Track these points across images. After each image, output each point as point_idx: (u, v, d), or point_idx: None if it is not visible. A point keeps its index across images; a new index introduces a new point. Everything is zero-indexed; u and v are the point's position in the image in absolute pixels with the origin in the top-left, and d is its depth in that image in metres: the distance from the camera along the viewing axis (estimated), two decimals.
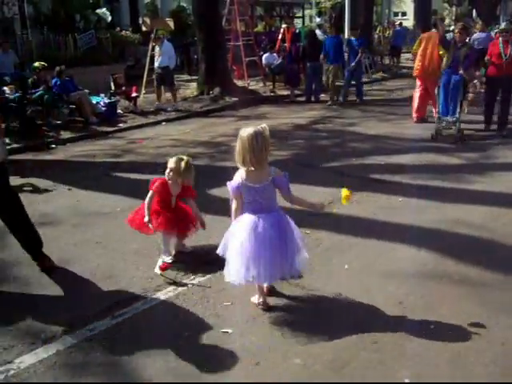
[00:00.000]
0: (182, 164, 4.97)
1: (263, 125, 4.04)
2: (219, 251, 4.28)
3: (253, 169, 3.99)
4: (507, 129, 10.24)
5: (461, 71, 9.75)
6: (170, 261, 5.13)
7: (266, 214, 4.10)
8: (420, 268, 4.92)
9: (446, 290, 4.51)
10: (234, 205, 4.24)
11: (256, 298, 4.33)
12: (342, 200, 4.28)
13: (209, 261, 5.14)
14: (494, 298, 4.38)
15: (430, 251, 5.25)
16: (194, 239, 5.52)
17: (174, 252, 5.29)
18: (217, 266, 4.99)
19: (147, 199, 5.07)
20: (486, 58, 10.25)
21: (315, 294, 4.47)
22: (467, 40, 10.65)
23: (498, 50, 9.87)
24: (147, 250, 5.33)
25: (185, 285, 4.70)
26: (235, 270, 4.11)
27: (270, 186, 4.09)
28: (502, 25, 10.73)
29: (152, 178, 5.24)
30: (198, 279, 4.79)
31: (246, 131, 3.97)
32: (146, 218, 5.01)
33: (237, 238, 4.13)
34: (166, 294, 4.55)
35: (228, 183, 4.18)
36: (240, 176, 4.10)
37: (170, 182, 5.08)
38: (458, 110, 9.87)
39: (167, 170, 5.06)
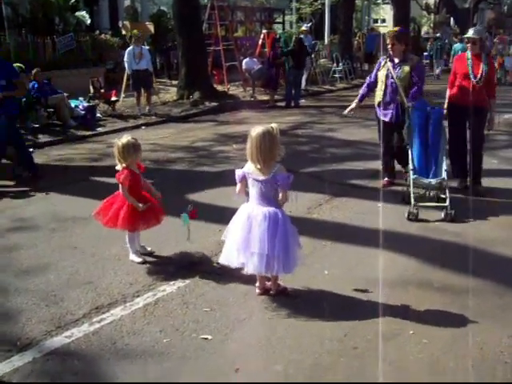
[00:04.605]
0: (133, 141, 5.07)
1: (273, 124, 4.25)
2: (223, 236, 4.54)
3: (259, 166, 4.22)
4: (481, 184, 7.21)
5: (409, 103, 6.68)
6: (140, 259, 5.17)
7: (263, 207, 4.29)
8: (400, 274, 4.94)
9: (425, 296, 4.53)
10: (237, 187, 4.46)
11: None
12: None
13: (188, 266, 5.13)
14: (474, 303, 4.40)
15: (410, 257, 5.28)
16: (174, 244, 5.49)
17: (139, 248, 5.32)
18: (196, 272, 4.98)
19: (125, 194, 5.07)
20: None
21: (295, 300, 4.46)
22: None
23: (466, 68, 6.99)
24: (126, 255, 5.28)
25: (164, 290, 4.66)
26: (227, 254, 4.42)
27: (272, 181, 4.26)
28: (470, 32, 7.13)
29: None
30: (178, 284, 4.75)
31: (256, 131, 4.19)
32: (140, 207, 5.02)
33: (233, 225, 4.42)
34: (145, 299, 4.50)
35: (236, 170, 4.43)
36: (247, 168, 4.36)
37: (131, 166, 5.11)
38: (445, 166, 6.44)
39: (126, 160, 5.05)
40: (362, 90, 7.51)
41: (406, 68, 6.90)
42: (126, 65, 13.79)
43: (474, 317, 4.16)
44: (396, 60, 6.99)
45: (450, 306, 4.34)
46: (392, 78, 6.93)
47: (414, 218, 6.18)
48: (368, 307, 4.34)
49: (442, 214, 6.20)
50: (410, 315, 4.21)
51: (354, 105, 7.46)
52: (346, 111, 7.52)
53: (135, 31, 13.93)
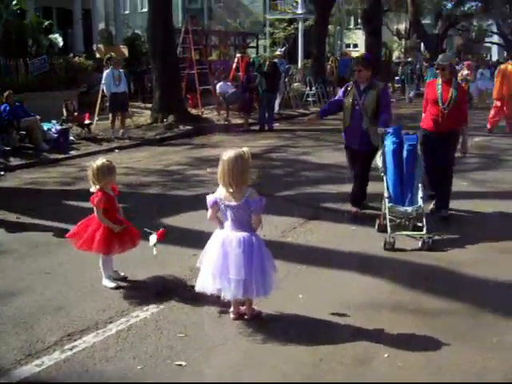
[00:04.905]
0: (108, 164, 5.03)
1: (245, 148, 4.26)
2: (197, 263, 4.50)
3: (231, 190, 4.20)
4: (448, 209, 7.13)
5: (381, 129, 6.57)
6: (114, 285, 5.11)
7: (236, 232, 4.29)
8: (374, 297, 4.96)
9: (399, 319, 4.55)
10: (208, 214, 4.44)
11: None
12: None
13: (162, 291, 5.07)
14: (447, 325, 4.44)
15: (384, 280, 5.30)
16: (148, 269, 5.44)
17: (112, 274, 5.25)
18: (170, 297, 4.93)
19: (100, 216, 5.04)
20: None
21: (270, 325, 4.44)
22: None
23: (436, 94, 6.96)
24: (99, 280, 5.20)
25: (137, 316, 4.60)
26: (203, 281, 4.39)
27: (244, 206, 4.25)
28: (439, 58, 7.23)
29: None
30: (152, 310, 4.70)
31: (228, 154, 4.19)
32: (117, 228, 5.03)
33: (208, 251, 4.40)
34: (118, 325, 4.44)
35: (207, 196, 4.41)
36: (219, 193, 4.33)
37: (105, 188, 5.08)
38: (421, 194, 6.32)
39: (100, 182, 5.02)
40: (325, 105, 7.58)
41: (373, 94, 6.84)
42: (104, 87, 13.74)
43: (447, 339, 4.18)
44: (362, 86, 6.92)
45: (424, 329, 4.36)
46: (358, 104, 6.86)
47: (390, 247, 6.02)
48: (343, 331, 4.34)
49: (419, 243, 6.08)
50: (385, 338, 4.22)
51: (314, 115, 7.59)
52: (307, 119, 7.66)
53: (114, 54, 13.92)
